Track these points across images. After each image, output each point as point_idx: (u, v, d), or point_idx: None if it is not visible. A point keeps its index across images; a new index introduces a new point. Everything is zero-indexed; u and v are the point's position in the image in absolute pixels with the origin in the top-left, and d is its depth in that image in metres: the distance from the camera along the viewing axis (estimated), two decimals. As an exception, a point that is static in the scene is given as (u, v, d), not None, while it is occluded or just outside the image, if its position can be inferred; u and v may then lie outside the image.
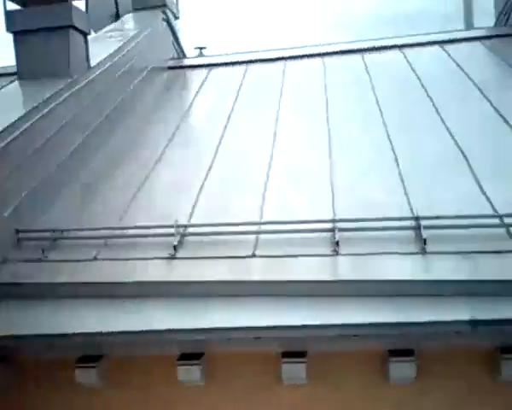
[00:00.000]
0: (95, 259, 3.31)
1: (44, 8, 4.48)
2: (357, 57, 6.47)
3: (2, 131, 3.52)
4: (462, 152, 3.98)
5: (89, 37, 6.03)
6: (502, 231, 3.10)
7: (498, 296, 2.73)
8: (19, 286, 3.18)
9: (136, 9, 7.50)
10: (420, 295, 2.82)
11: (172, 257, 3.25)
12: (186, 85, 6.75)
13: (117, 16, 8.01)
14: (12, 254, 3.39)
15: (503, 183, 3.55)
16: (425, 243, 3.03)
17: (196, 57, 7.96)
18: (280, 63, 6.71)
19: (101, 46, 5.60)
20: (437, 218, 3.18)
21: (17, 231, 3.50)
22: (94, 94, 4.72)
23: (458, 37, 6.47)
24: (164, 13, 7.35)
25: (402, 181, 3.70)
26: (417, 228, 3.14)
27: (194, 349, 2.99)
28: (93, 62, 4.98)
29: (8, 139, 3.53)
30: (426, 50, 6.43)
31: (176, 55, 7.74)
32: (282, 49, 7.08)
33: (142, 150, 4.71)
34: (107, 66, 5.13)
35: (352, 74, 6.05)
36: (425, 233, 3.07)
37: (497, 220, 3.17)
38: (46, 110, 3.96)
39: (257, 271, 3.11)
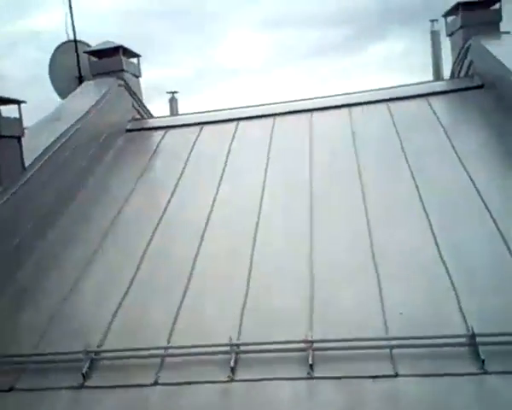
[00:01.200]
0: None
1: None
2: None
3: None
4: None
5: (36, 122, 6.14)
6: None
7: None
8: None
9: (94, 75, 7.63)
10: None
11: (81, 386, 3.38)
12: (138, 152, 6.74)
13: (80, 78, 8.19)
14: None
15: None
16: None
17: (156, 118, 8.05)
18: (232, 124, 6.79)
19: (44, 135, 5.62)
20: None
21: None
22: (28, 196, 4.79)
23: (403, 94, 6.52)
24: (120, 78, 7.47)
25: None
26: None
27: None
28: (33, 157, 5.06)
29: None
30: (373, 108, 6.49)
31: (138, 116, 7.86)
32: (236, 108, 7.17)
33: (70, 257, 4.70)
34: (45, 158, 5.18)
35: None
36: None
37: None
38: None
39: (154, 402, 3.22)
